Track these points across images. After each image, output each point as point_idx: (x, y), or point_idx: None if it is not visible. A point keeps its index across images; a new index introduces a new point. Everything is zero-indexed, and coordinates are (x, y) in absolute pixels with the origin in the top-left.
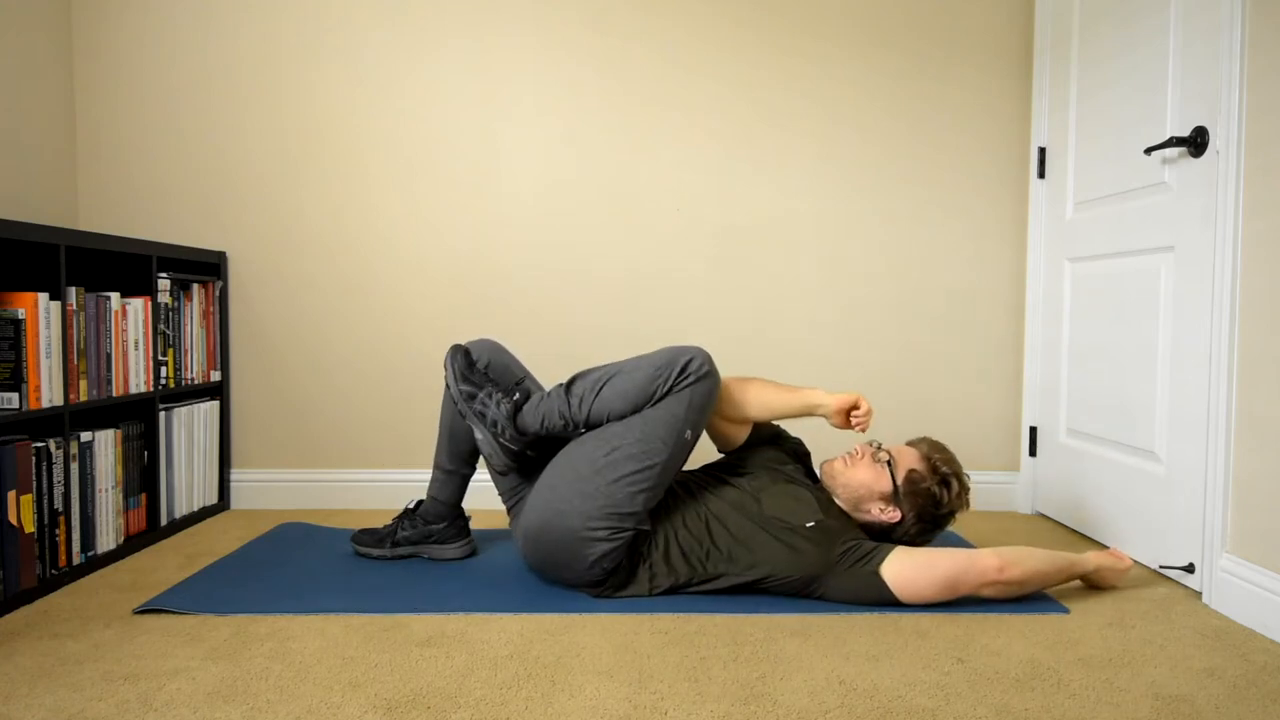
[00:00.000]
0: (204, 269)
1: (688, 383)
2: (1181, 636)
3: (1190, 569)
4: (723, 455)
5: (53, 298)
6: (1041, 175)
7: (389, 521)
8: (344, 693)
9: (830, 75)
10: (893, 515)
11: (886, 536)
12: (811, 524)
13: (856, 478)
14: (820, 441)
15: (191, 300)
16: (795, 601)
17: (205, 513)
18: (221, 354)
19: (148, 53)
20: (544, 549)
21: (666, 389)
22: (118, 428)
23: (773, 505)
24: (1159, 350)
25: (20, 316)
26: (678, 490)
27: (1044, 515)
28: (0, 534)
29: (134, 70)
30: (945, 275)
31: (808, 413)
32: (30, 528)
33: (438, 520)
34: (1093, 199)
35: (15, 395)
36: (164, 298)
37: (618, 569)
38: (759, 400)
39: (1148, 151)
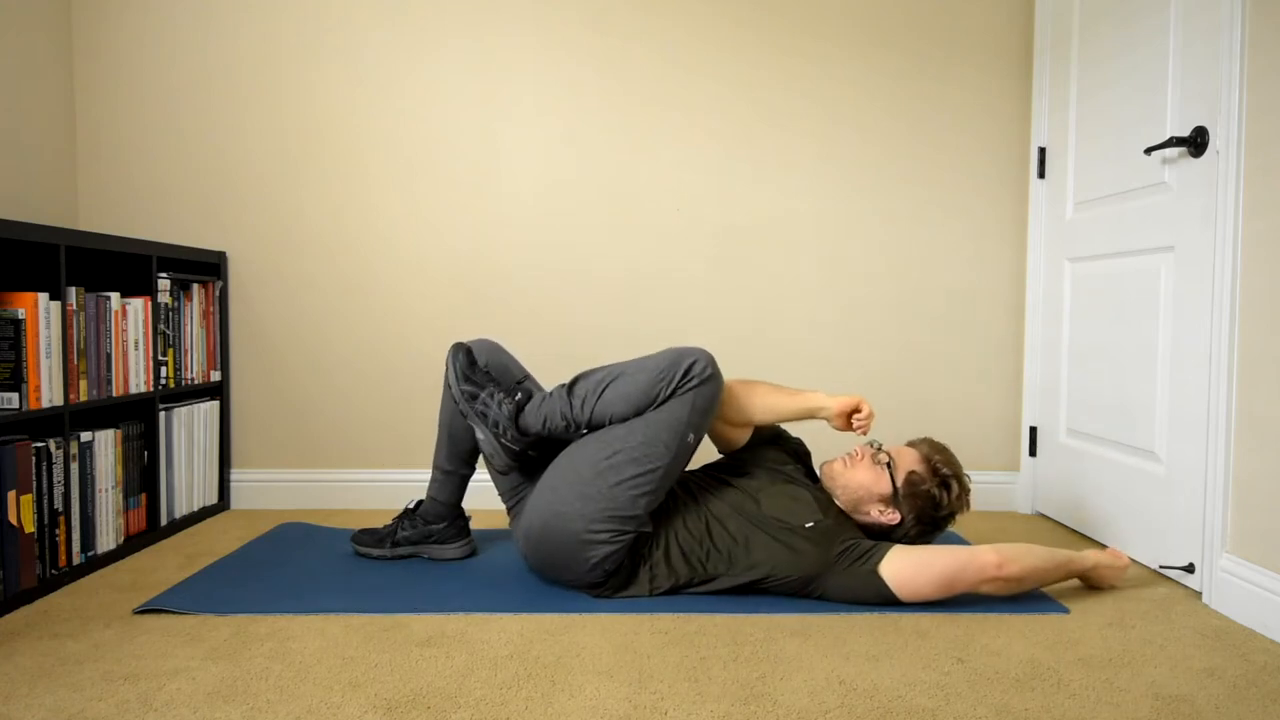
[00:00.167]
0: (204, 269)
1: (691, 386)
2: (1181, 636)
3: (1190, 569)
4: (723, 455)
5: (53, 298)
6: (1041, 175)
7: (389, 521)
8: (344, 693)
9: (830, 75)
10: (892, 517)
11: (886, 537)
12: (810, 524)
13: (856, 479)
14: (821, 443)
15: (191, 300)
16: (795, 601)
17: (205, 513)
18: (221, 354)
19: (148, 53)
20: (545, 550)
21: (670, 392)
22: (118, 428)
23: (772, 506)
24: (1159, 350)
25: (20, 316)
26: (678, 491)
27: (1044, 515)
28: (0, 534)
29: (134, 70)
30: (945, 275)
31: (810, 416)
32: (30, 528)
33: (438, 520)
34: (1093, 199)
35: (15, 395)
36: (164, 298)
37: (619, 570)
38: (762, 404)
39: (1148, 151)
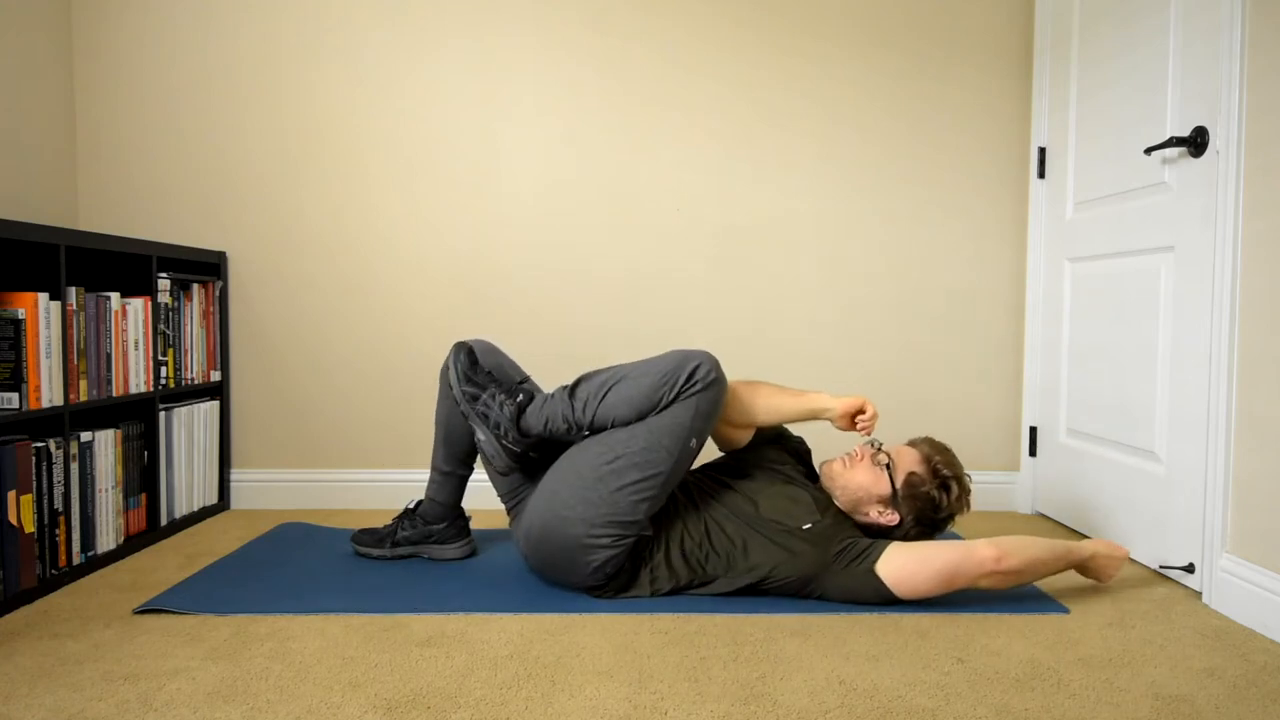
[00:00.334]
0: (204, 269)
1: (694, 390)
2: (1181, 636)
3: (1190, 569)
4: (723, 454)
5: (53, 298)
6: (1041, 175)
7: (389, 522)
8: (344, 693)
9: (830, 75)
10: (891, 518)
11: (885, 536)
12: (809, 525)
13: (855, 480)
14: (821, 443)
15: (191, 300)
16: (795, 601)
17: (205, 513)
18: (221, 354)
19: (148, 53)
20: (545, 553)
21: (672, 396)
22: (118, 428)
23: (770, 508)
24: (1159, 350)
25: (20, 316)
26: (678, 494)
27: (1044, 515)
28: (0, 534)
29: (134, 70)
30: (945, 275)
31: (814, 417)
32: (30, 528)
33: (437, 521)
34: (1093, 199)
35: (15, 395)
36: (164, 298)
37: (619, 573)
38: (766, 405)
39: (1148, 151)
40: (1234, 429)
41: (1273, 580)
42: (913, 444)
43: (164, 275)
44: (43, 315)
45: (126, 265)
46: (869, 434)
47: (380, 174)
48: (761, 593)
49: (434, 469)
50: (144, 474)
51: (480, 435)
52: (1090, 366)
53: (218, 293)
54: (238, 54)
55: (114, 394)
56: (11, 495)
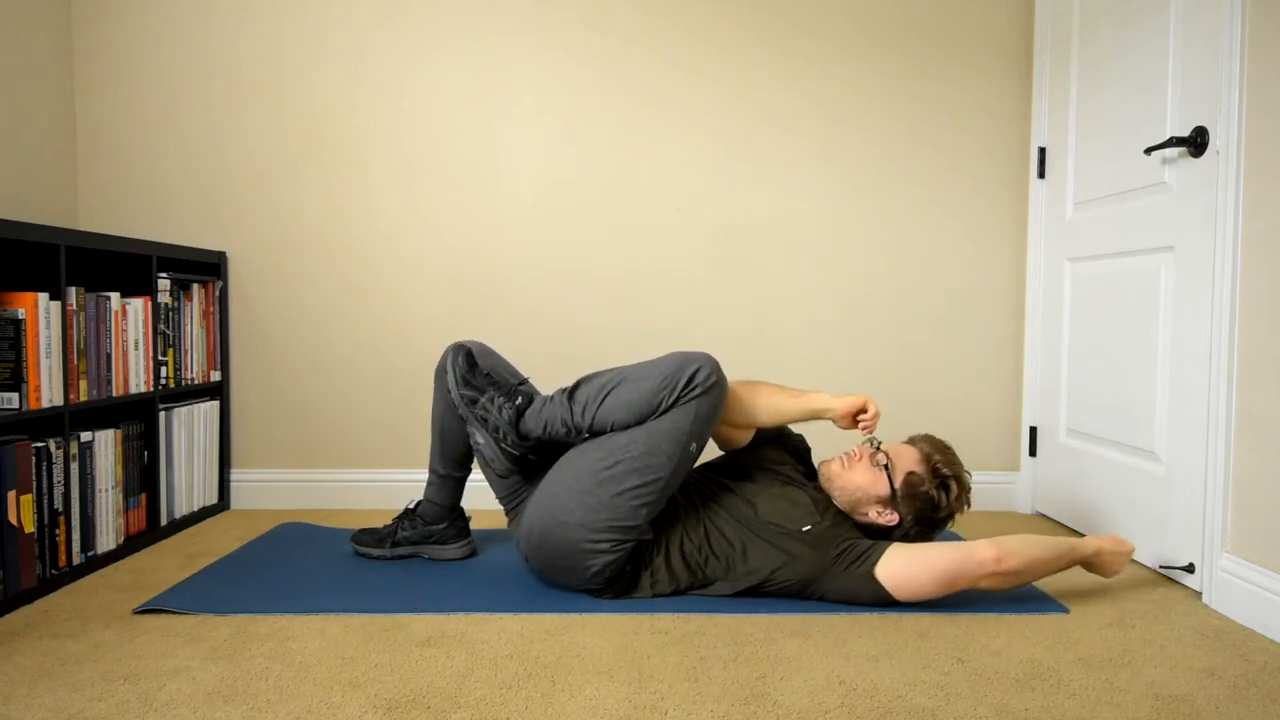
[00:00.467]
0: (204, 269)
1: (694, 395)
2: (1181, 636)
3: (1190, 569)
4: (723, 453)
5: (53, 298)
6: (1041, 175)
7: (389, 522)
8: (344, 693)
9: (830, 75)
10: (890, 518)
11: (885, 536)
12: (808, 528)
13: (853, 481)
14: (821, 442)
15: (191, 300)
16: (795, 601)
17: (205, 513)
18: (221, 354)
19: (148, 53)
20: (545, 556)
21: (672, 401)
22: (118, 428)
23: (769, 510)
24: (1159, 350)
25: (20, 316)
26: (678, 497)
27: (1044, 515)
28: (0, 534)
29: (134, 70)
30: (945, 275)
31: (815, 417)
32: (30, 528)
33: (437, 521)
34: (1093, 199)
35: (15, 395)
36: (164, 298)
37: (620, 576)
38: (767, 406)
39: (1148, 151)
40: (1234, 429)
41: (1273, 580)
42: (912, 442)
43: (164, 275)
44: (43, 315)
45: (126, 265)
46: (870, 431)
47: (380, 174)
48: (762, 594)
49: (431, 471)
50: (144, 474)
51: (479, 438)
52: (1090, 366)
53: (218, 293)
54: (238, 54)
55: (114, 394)
56: (11, 495)
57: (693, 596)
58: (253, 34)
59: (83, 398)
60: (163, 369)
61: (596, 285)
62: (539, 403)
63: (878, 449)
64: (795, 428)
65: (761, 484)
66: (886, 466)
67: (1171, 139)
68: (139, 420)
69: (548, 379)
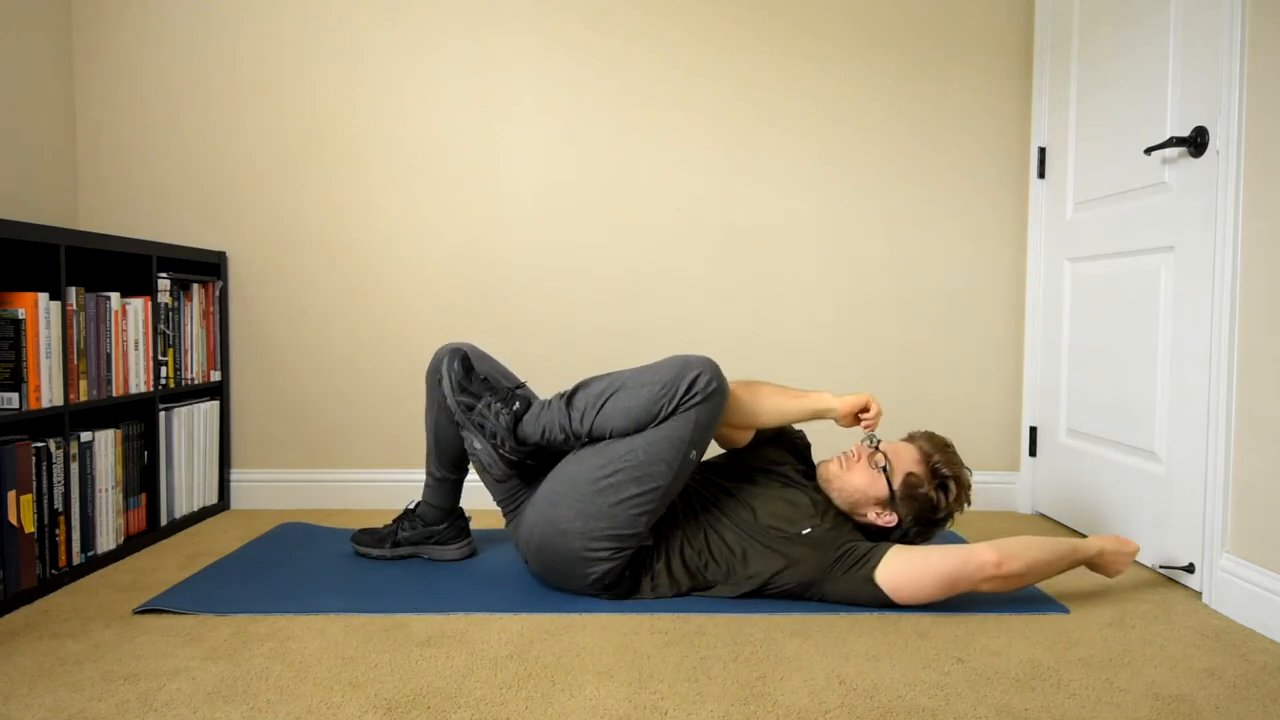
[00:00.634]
0: (204, 269)
1: (694, 402)
2: (1181, 636)
3: (1190, 569)
4: (723, 452)
5: (53, 298)
6: (1041, 175)
7: (389, 522)
8: (344, 693)
9: (830, 75)
10: (889, 519)
11: (885, 536)
12: (808, 530)
13: (851, 483)
14: (822, 441)
15: (191, 300)
16: (795, 602)
17: (205, 513)
18: (221, 354)
19: (148, 53)
20: (544, 562)
21: (671, 409)
22: (118, 428)
23: (768, 514)
24: (1159, 350)
25: (20, 316)
26: (677, 501)
27: (1044, 515)
28: (0, 534)
29: (134, 70)
30: (945, 275)
31: (817, 417)
32: (30, 528)
33: (436, 523)
34: (1093, 199)
35: (15, 395)
36: (164, 298)
37: (620, 581)
38: (769, 408)
39: (1148, 151)
40: (1234, 429)
41: (1273, 580)
42: (911, 439)
43: (164, 275)
44: (43, 315)
45: (126, 265)
46: (872, 429)
47: (380, 174)
48: (762, 596)
49: (428, 474)
50: (144, 474)
51: (476, 444)
52: (1090, 366)
53: (218, 293)
54: (238, 54)
55: (114, 394)
56: (11, 495)
57: (693, 597)
58: (253, 34)
59: (83, 398)
60: (163, 369)
61: (596, 285)
62: (536, 408)
63: (876, 448)
64: (795, 425)
65: (761, 486)
66: (885, 468)
67: (1171, 139)
68: (139, 420)
69: (547, 379)
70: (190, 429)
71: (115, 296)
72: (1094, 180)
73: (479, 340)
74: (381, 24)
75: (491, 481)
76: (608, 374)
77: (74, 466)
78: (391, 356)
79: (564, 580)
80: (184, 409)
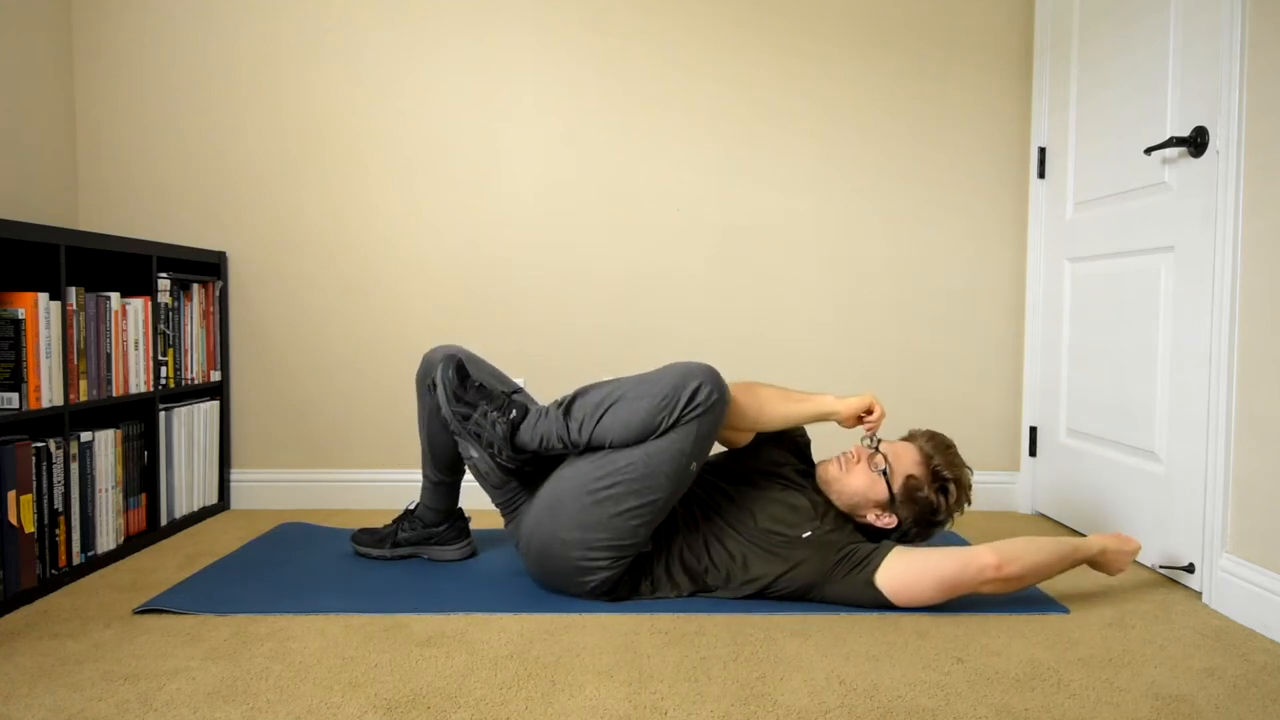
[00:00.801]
0: (204, 269)
1: (695, 414)
2: (1181, 636)
3: (1190, 569)
4: (722, 451)
5: (53, 298)
6: (1041, 175)
7: (389, 522)
8: (344, 693)
9: (830, 75)
10: (889, 521)
11: (885, 535)
12: (808, 534)
13: (851, 485)
14: (822, 439)
15: (191, 300)
16: (795, 601)
17: (205, 513)
18: (221, 354)
19: (148, 53)
20: (543, 568)
21: (672, 421)
22: (118, 428)
23: (768, 518)
24: (1159, 350)
25: (20, 316)
26: (677, 507)
27: (1044, 515)
28: (0, 534)
29: (134, 70)
30: (945, 275)
31: (820, 420)
32: (30, 528)
33: (436, 524)
34: (1093, 199)
35: (15, 395)
36: (164, 298)
37: (619, 586)
38: (772, 414)
39: (1148, 151)
40: (1234, 429)
41: (1273, 580)
42: (912, 438)
43: (164, 275)
44: (43, 315)
45: (126, 265)
46: (874, 431)
47: (380, 174)
48: (763, 598)
49: (425, 477)
50: (144, 474)
51: (473, 453)
52: (1090, 366)
53: (218, 293)
54: (238, 54)
55: (114, 394)
56: (11, 495)
57: (692, 597)
58: (253, 34)
59: (83, 398)
60: (163, 369)
61: (596, 285)
62: (533, 416)
63: (876, 449)
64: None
65: (761, 489)
66: (885, 472)
67: (1171, 139)
68: (139, 420)
69: (547, 379)
70: (190, 429)
71: (115, 296)
72: (1094, 180)
73: (479, 340)
74: (381, 24)
75: (489, 487)
76: (606, 382)
77: (74, 466)
78: (391, 356)
79: (563, 586)
80: (184, 409)
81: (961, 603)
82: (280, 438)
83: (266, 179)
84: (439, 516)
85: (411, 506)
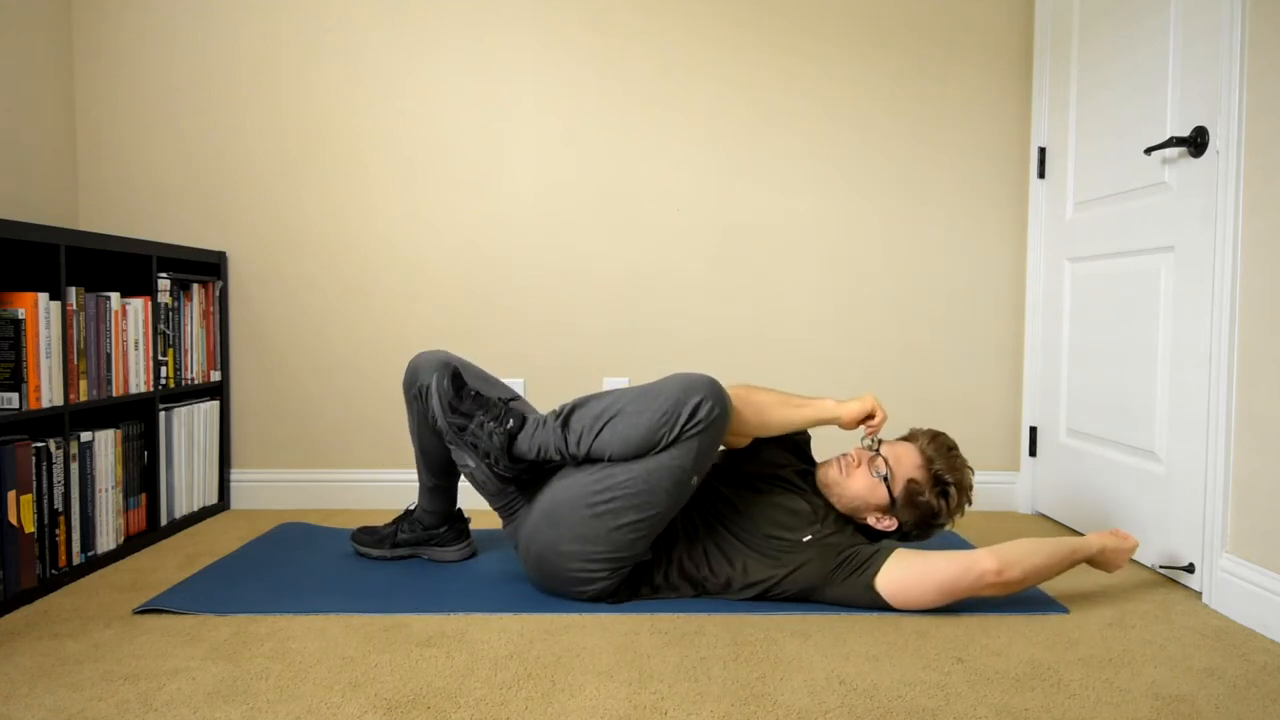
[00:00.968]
0: (204, 269)
1: (696, 431)
2: (1181, 636)
3: (1190, 569)
4: (721, 450)
5: (53, 298)
6: (1041, 175)
7: (388, 521)
8: (344, 693)
9: (830, 75)
10: (890, 524)
11: (886, 535)
12: (808, 538)
13: (851, 490)
14: (822, 440)
15: (191, 300)
16: (795, 602)
17: (205, 513)
18: (221, 354)
19: (148, 53)
20: (543, 575)
21: (673, 438)
22: (118, 428)
23: (768, 524)
24: (1159, 350)
25: (20, 316)
26: (677, 515)
27: (1044, 515)
28: (0, 534)
29: (134, 70)
30: (945, 275)
31: (821, 425)
32: (30, 528)
33: (435, 526)
34: (1093, 199)
35: (15, 395)
36: (164, 298)
37: (618, 592)
38: (773, 421)
39: (1148, 151)
40: (1234, 429)
41: (1273, 580)
42: (913, 438)
43: (164, 275)
44: (43, 315)
45: (126, 265)
46: (875, 434)
47: (380, 174)
48: (764, 600)
49: (420, 481)
50: (144, 474)
51: (469, 462)
52: (1090, 366)
53: (218, 293)
54: (238, 54)
55: (114, 394)
56: (11, 495)
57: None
58: (253, 34)
59: (83, 398)
60: (163, 369)
61: (596, 285)
62: (531, 426)
63: (876, 452)
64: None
65: (761, 494)
66: (886, 478)
67: (1171, 139)
68: (139, 420)
69: (547, 379)
70: (190, 429)
71: (115, 296)
72: (1094, 180)
73: (479, 340)
74: (381, 24)
75: (486, 494)
76: (605, 393)
77: (74, 466)
78: (391, 356)
79: (562, 592)
80: (184, 409)
81: (961, 603)
82: (280, 438)
83: (266, 179)
84: (437, 519)
85: (411, 508)
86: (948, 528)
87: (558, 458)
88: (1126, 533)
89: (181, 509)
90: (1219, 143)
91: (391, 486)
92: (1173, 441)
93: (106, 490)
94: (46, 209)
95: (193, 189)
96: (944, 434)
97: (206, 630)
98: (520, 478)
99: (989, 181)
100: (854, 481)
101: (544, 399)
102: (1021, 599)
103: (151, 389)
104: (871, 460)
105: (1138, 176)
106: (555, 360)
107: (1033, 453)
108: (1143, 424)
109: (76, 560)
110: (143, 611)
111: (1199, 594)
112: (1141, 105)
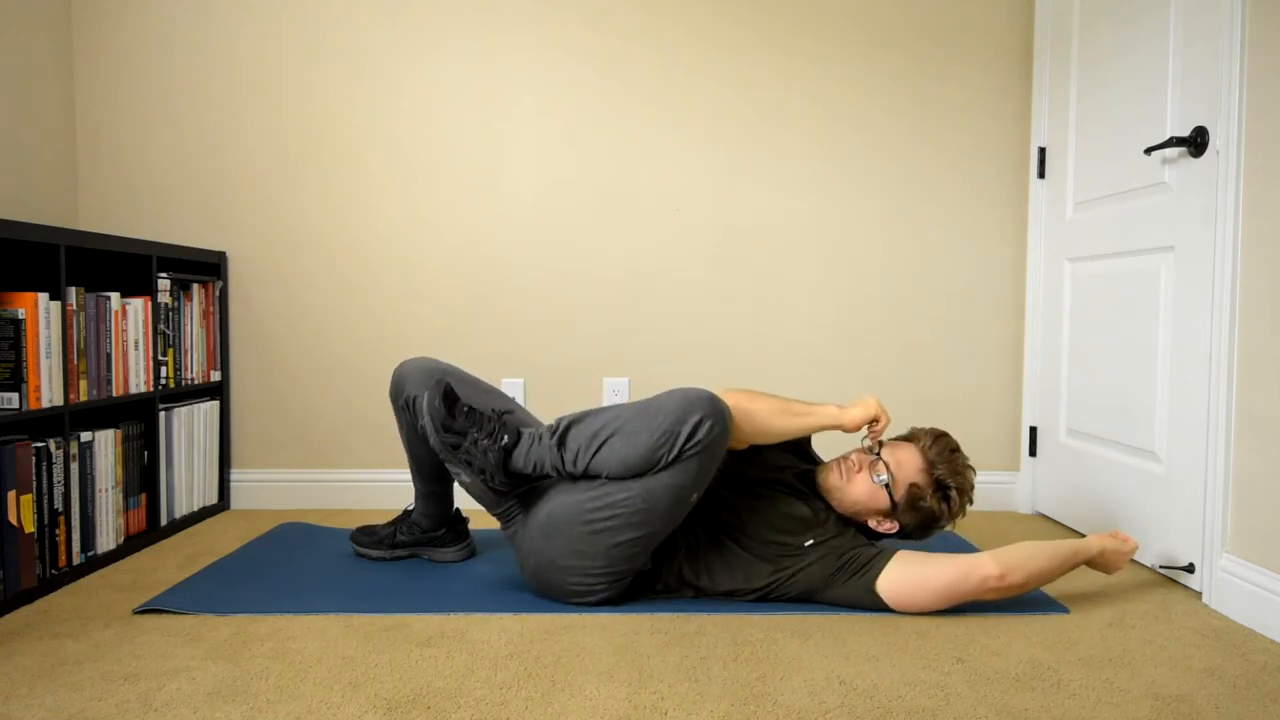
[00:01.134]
0: (204, 269)
1: (695, 451)
2: (1181, 636)
3: (1190, 569)
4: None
5: (53, 298)
6: (1041, 175)
7: (387, 521)
8: (344, 693)
9: (830, 75)
10: (891, 527)
11: (886, 536)
12: (810, 542)
13: (851, 495)
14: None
15: (191, 300)
16: (795, 602)
17: (205, 513)
18: (221, 354)
19: (148, 53)
20: (541, 585)
21: (672, 458)
22: (118, 428)
23: (769, 530)
24: (1159, 350)
25: (20, 316)
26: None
27: (1044, 515)
28: (0, 534)
29: (134, 70)
30: (945, 275)
31: (823, 431)
32: (30, 528)
33: (433, 529)
34: (1093, 199)
35: (15, 395)
36: (164, 298)
37: (619, 599)
38: (775, 430)
39: (1148, 151)
40: (1234, 429)
41: (1273, 580)
42: (914, 439)
43: (164, 275)
44: (43, 315)
45: (126, 265)
46: (878, 437)
47: (380, 174)
48: (764, 601)
49: (415, 487)
50: (144, 474)
51: (465, 478)
52: (1090, 366)
53: (218, 293)
54: (238, 54)
55: (114, 394)
56: (11, 495)
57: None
58: (253, 34)
59: (83, 398)
60: (163, 369)
61: (596, 285)
62: (526, 441)
63: (878, 456)
64: None
65: (762, 499)
66: (888, 485)
67: (1171, 139)
68: (139, 420)
69: (547, 379)
70: (190, 429)
71: (115, 296)
72: (1094, 180)
73: (479, 340)
74: (381, 24)
75: (483, 504)
76: (601, 410)
77: (74, 466)
78: (392, 356)
79: (562, 600)
80: (184, 409)
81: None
82: (280, 438)
83: (266, 179)
84: (435, 522)
85: (409, 509)
86: (949, 528)
87: (554, 474)
88: (1126, 535)
89: (181, 509)
90: (1219, 143)
91: (391, 486)
92: (1173, 441)
93: (106, 490)
94: (46, 209)
95: (193, 189)
96: (947, 434)
97: (206, 630)
98: (516, 490)
99: (989, 181)
100: (855, 487)
101: (544, 399)
102: (1022, 599)
103: (151, 389)
104: (872, 465)
105: (1138, 176)
106: (555, 360)
107: (1033, 453)
108: (1143, 424)
109: (76, 560)
110: (143, 611)
111: (1199, 594)
112: (1141, 105)
